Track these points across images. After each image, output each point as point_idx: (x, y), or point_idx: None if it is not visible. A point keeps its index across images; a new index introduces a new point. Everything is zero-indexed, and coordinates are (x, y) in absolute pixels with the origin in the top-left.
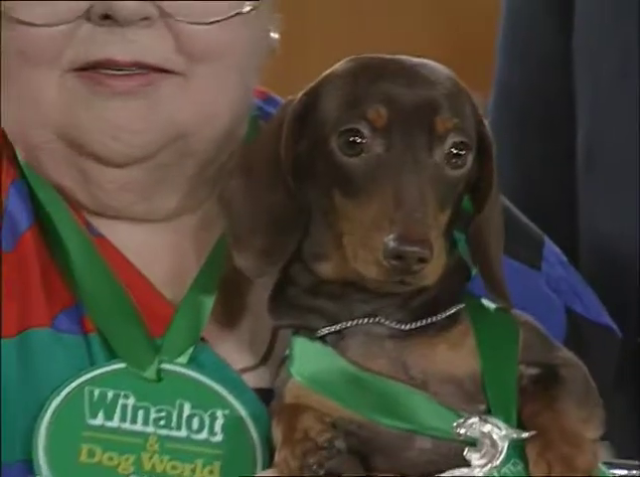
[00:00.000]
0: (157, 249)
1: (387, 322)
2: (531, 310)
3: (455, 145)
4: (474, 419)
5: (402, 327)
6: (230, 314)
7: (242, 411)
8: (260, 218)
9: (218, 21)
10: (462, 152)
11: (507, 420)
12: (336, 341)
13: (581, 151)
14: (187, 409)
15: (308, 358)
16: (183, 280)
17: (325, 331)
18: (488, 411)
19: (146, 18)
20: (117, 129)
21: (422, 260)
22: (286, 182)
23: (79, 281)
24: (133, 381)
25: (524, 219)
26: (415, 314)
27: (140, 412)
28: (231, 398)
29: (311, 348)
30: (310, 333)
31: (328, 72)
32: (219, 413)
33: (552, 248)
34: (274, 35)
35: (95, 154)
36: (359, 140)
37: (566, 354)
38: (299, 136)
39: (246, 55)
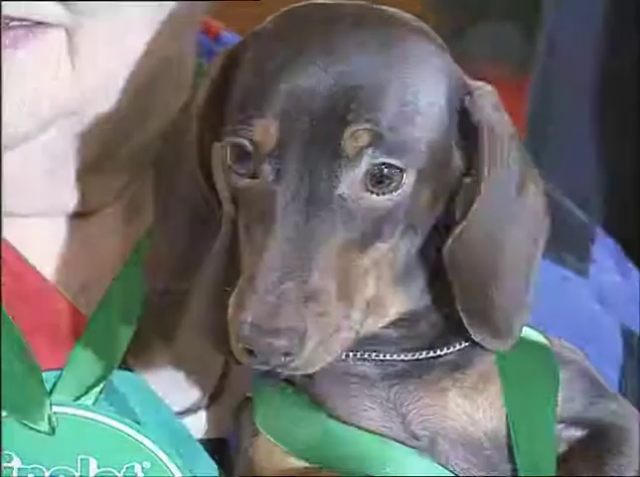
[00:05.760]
0: (67, 250)
1: (373, 355)
2: (574, 334)
3: (375, 167)
4: None
5: (397, 357)
6: (164, 334)
7: (169, 462)
8: (182, 203)
9: None
10: (390, 171)
11: None
12: (305, 383)
13: None
14: (93, 468)
15: (275, 407)
16: (102, 289)
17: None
18: None
19: None
20: None
21: (286, 354)
22: (197, 180)
23: None
24: (18, 435)
25: (569, 206)
26: (417, 345)
27: None
28: (153, 446)
29: (277, 394)
30: (275, 374)
31: (256, 28)
32: (137, 468)
33: (605, 245)
34: None
35: None
36: (248, 158)
37: (620, 406)
38: (220, 112)
39: (156, 11)
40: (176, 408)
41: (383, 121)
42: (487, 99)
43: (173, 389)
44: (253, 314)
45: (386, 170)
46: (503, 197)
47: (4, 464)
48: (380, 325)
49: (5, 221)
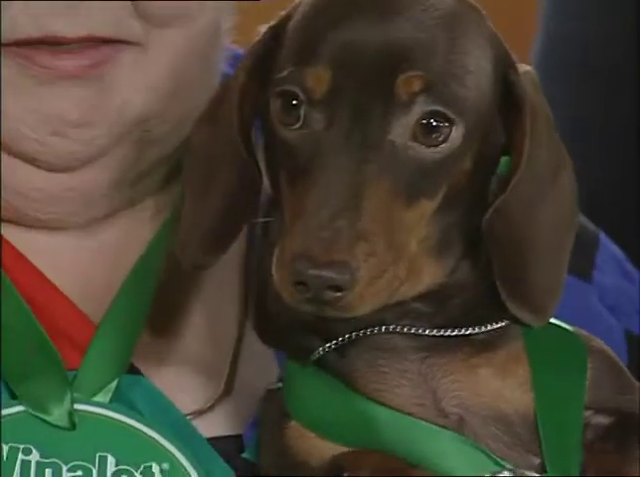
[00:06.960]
0: (80, 256)
1: (405, 329)
2: None
3: (427, 115)
4: (506, 474)
5: (429, 332)
6: (171, 335)
7: (189, 465)
8: (216, 181)
9: None
10: (440, 124)
11: None
12: (337, 362)
13: None
14: (111, 465)
15: (308, 392)
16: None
17: (321, 352)
18: (543, 468)
19: None
20: (60, 123)
21: (337, 288)
22: (238, 148)
23: None
24: (37, 429)
25: None
26: (448, 321)
27: (48, 472)
28: (172, 448)
29: (309, 378)
30: (305, 355)
31: None
32: (155, 469)
33: (608, 251)
34: None
35: (27, 155)
36: (297, 108)
37: None
38: (262, 84)
39: (217, 15)
40: (185, 411)
41: (435, 71)
42: (530, 78)
43: (181, 390)
44: (307, 247)
45: (435, 122)
46: (540, 176)
47: (23, 457)
48: (412, 293)
49: (17, 230)
